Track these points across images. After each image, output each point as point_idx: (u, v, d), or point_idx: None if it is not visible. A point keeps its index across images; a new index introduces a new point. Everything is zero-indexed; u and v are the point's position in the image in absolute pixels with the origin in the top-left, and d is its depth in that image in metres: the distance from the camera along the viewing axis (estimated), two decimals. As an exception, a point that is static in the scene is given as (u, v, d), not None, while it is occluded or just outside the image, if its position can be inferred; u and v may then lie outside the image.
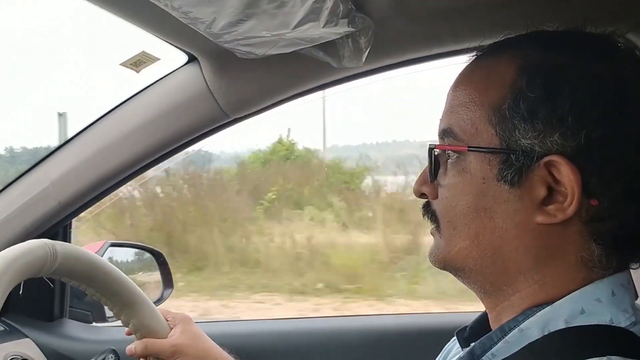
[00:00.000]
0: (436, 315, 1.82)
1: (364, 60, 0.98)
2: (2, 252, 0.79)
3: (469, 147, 0.65)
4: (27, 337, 1.32)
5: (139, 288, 0.98)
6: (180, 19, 0.81)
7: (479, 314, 0.76)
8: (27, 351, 1.27)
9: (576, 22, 0.67)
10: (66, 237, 1.42)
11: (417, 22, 1.02)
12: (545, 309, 0.62)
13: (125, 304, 0.96)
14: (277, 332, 1.50)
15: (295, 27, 0.86)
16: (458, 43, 1.06)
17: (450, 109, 0.68)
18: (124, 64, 1.07)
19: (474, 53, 0.71)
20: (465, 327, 0.77)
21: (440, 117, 0.71)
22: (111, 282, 0.93)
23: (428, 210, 0.72)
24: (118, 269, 0.95)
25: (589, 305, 0.61)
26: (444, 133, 0.68)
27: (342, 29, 0.91)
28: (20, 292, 0.84)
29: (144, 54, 1.06)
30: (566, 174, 0.60)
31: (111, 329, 1.48)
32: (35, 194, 1.28)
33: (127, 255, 1.57)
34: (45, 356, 1.32)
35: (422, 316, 1.78)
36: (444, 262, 0.69)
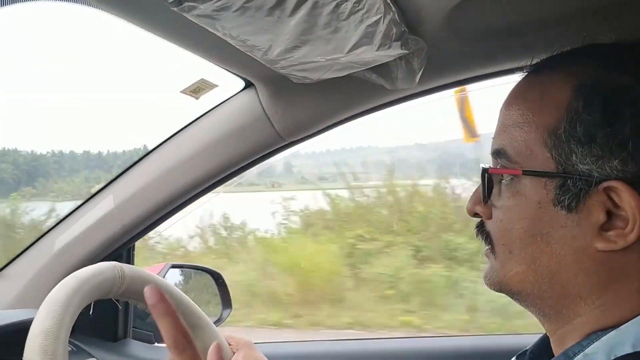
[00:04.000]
0: (494, 337, 1.78)
1: (417, 81, 0.98)
2: (75, 272, 0.83)
3: (523, 170, 0.64)
4: (92, 357, 1.36)
5: (202, 311, 1.00)
6: (237, 46, 0.84)
7: (539, 336, 0.74)
8: (94, 371, 1.31)
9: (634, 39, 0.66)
10: (129, 260, 1.46)
11: (471, 42, 1.02)
12: (610, 333, 0.60)
13: (189, 326, 0.98)
14: (341, 353, 1.50)
15: (350, 51, 0.87)
16: (513, 61, 1.05)
17: (503, 129, 0.67)
18: (183, 92, 1.10)
19: (527, 69, 0.70)
20: (526, 350, 0.75)
21: (492, 135, 0.70)
22: (176, 305, 0.96)
23: (482, 230, 0.71)
24: (182, 292, 0.97)
25: None
26: (497, 154, 0.67)
27: (396, 51, 0.91)
28: (91, 312, 0.87)
29: (202, 81, 1.09)
30: (627, 200, 0.58)
31: (172, 349, 1.50)
32: (101, 217, 1.33)
33: (186, 276, 1.61)
34: (111, 375, 1.35)
35: (480, 337, 1.73)
36: (500, 285, 0.68)
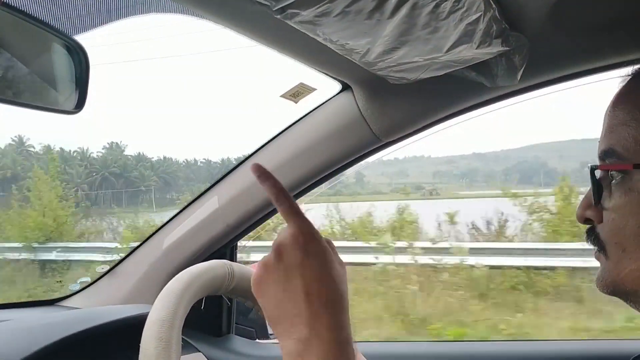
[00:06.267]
0: (611, 342, 1.69)
1: (519, 78, 0.96)
2: (189, 268, 0.88)
3: (634, 164, 0.62)
4: (199, 351, 1.42)
5: None
6: (337, 50, 0.85)
7: None
8: (200, 364, 1.37)
9: None
10: (233, 258, 1.51)
11: (575, 36, 0.97)
12: None
13: None
14: (442, 355, 1.48)
15: (449, 50, 0.86)
16: (621, 55, 1.00)
17: (610, 129, 0.66)
18: (283, 96, 1.13)
19: (632, 71, 0.69)
20: None
21: (599, 139, 0.68)
22: None
23: (592, 234, 0.69)
24: None
25: None
26: (605, 154, 0.66)
27: (496, 48, 0.90)
28: (202, 307, 0.91)
29: (301, 85, 1.11)
30: None
31: (273, 346, 1.54)
32: (206, 217, 1.39)
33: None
34: (215, 370, 1.40)
35: (595, 342, 1.65)
36: (613, 286, 0.66)
